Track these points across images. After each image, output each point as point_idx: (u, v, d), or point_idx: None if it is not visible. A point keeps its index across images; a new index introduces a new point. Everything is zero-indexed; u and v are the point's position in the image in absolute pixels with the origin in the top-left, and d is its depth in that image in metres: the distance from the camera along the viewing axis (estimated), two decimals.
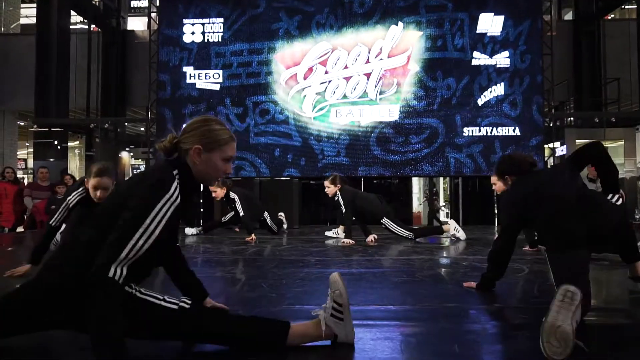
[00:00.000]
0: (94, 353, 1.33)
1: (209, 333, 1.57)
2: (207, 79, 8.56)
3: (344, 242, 4.88)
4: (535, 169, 2.56)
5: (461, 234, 5.10)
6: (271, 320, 1.67)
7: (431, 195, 11.19)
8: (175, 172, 1.57)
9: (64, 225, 3.09)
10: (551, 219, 2.19)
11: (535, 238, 4.20)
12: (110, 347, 1.32)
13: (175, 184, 1.54)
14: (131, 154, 12.25)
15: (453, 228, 5.17)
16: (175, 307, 1.54)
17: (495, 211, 8.92)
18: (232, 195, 5.64)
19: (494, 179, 2.83)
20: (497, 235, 2.58)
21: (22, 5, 14.55)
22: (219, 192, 5.66)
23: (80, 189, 2.99)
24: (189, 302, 1.59)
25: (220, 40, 8.57)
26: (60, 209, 2.99)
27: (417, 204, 12.59)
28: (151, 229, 1.45)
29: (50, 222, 3.00)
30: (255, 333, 1.60)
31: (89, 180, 2.88)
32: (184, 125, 1.70)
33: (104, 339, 1.33)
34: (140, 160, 13.01)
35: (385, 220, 5.11)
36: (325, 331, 1.62)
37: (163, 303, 1.54)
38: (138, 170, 13.42)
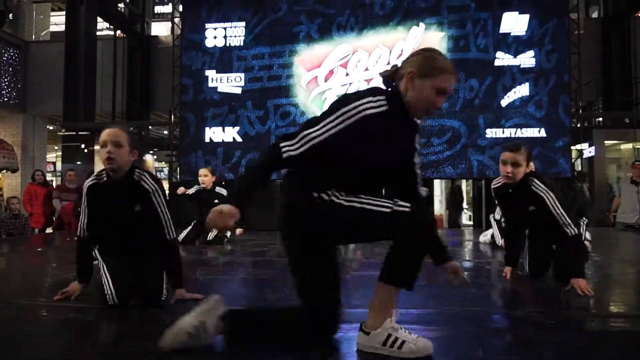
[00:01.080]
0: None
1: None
2: (229, 83, 8.65)
3: None
4: None
5: None
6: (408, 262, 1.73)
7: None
8: (381, 96, 1.60)
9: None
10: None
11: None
12: None
13: (376, 97, 1.58)
14: (155, 156, 12.51)
15: None
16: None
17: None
18: (220, 190, 4.94)
19: (520, 158, 2.60)
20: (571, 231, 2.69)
21: (52, 14, 15.06)
22: (207, 180, 4.88)
23: (92, 176, 2.46)
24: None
25: (241, 44, 8.65)
26: (82, 212, 2.44)
27: (440, 206, 12.44)
28: (330, 125, 1.56)
29: (79, 234, 2.45)
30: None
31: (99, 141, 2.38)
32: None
33: None
34: (163, 162, 13.27)
35: None
36: (375, 324, 1.65)
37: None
38: (161, 173, 13.69)
